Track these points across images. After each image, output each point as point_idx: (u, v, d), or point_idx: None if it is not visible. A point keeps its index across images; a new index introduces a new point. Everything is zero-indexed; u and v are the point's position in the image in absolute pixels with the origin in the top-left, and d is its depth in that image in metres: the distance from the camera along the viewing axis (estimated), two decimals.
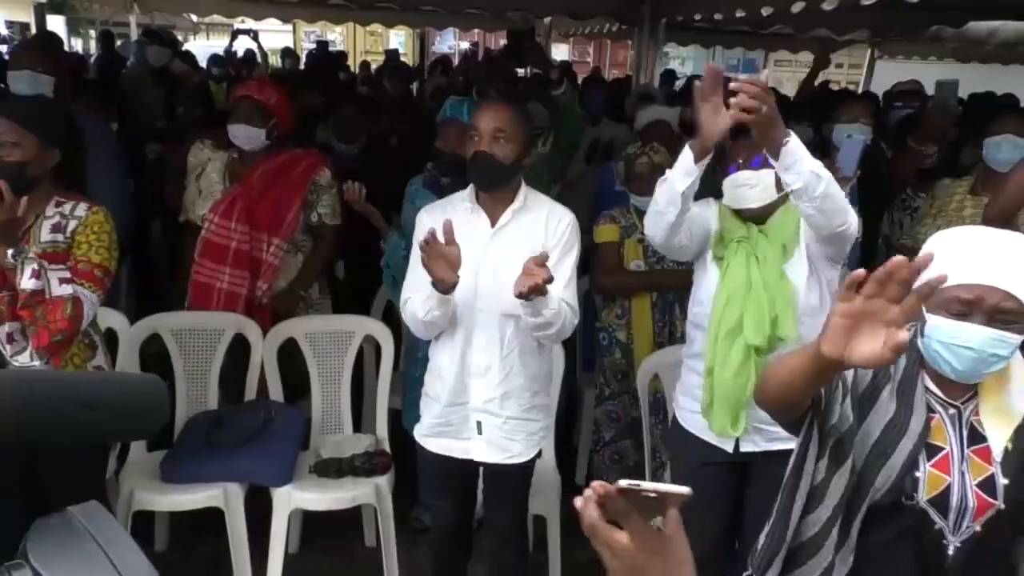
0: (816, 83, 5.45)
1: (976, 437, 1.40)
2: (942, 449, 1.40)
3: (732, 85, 1.63)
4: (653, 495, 0.78)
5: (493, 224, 2.11)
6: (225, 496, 2.47)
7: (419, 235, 2.14)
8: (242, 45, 7.35)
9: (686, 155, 1.90)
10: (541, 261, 1.85)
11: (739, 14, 4.77)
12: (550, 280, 1.86)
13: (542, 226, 2.12)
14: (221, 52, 7.28)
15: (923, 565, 1.41)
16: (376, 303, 3.42)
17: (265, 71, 6.80)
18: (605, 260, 3.00)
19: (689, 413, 2.23)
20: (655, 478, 2.77)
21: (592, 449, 3.23)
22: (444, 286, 1.93)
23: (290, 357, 2.79)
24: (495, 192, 2.11)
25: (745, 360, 2.05)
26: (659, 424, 2.82)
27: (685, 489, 0.79)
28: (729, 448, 2.14)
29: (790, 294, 2.06)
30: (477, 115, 2.09)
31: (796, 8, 4.07)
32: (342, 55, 9.79)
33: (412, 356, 2.87)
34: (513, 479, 2.25)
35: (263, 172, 2.79)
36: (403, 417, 2.85)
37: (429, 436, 2.23)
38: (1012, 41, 6.40)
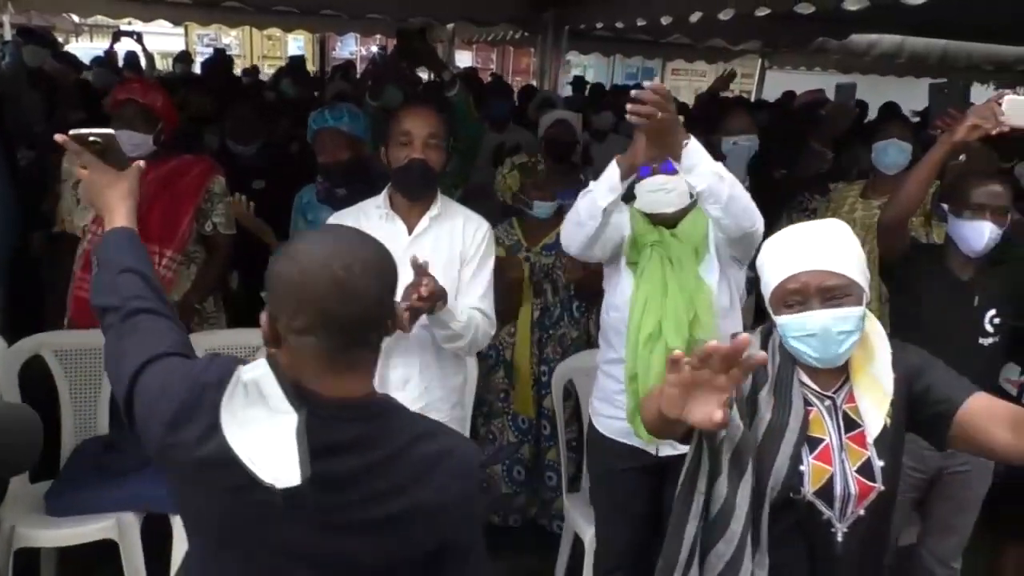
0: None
1: (850, 424, 1.45)
2: (822, 441, 1.45)
3: (633, 94, 1.63)
4: (98, 139, 1.41)
5: (410, 231, 2.05)
6: (119, 527, 2.30)
7: None
8: (126, 48, 6.98)
9: (612, 171, 1.91)
10: (422, 271, 1.80)
11: (640, 22, 4.85)
12: (436, 292, 1.81)
13: (459, 234, 2.08)
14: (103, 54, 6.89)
15: (814, 555, 1.45)
16: None
17: (151, 75, 6.48)
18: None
19: (607, 419, 2.23)
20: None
21: None
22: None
23: None
24: (421, 200, 2.05)
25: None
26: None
27: (109, 131, 1.43)
28: (653, 451, 2.15)
29: (707, 295, 2.08)
30: (408, 119, 2.00)
31: (694, 18, 4.16)
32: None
33: None
34: None
35: (152, 180, 2.61)
36: None
37: None
38: (889, 53, 6.79)
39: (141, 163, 1.47)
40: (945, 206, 2.28)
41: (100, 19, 10.51)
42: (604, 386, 2.25)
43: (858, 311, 1.39)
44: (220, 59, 7.69)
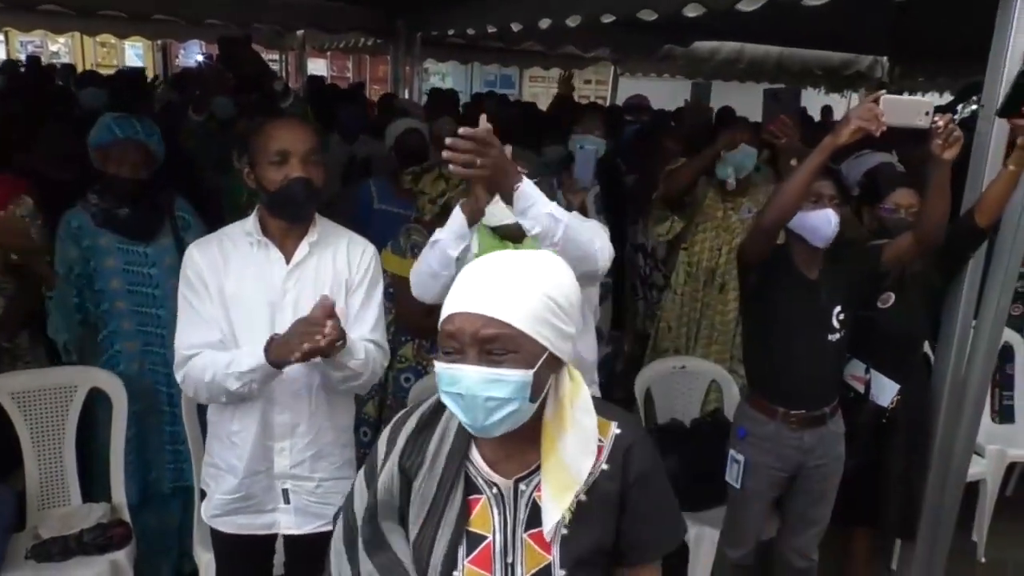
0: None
1: (536, 518, 1.13)
2: (484, 539, 1.14)
3: (448, 142, 1.53)
4: None
5: (288, 260, 1.83)
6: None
7: (191, 274, 1.80)
8: None
9: (458, 219, 1.83)
10: (328, 311, 1.61)
11: (491, 29, 4.82)
12: (339, 337, 1.62)
13: (343, 259, 1.87)
14: None
15: None
16: None
17: None
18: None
19: None
20: None
21: None
22: (284, 361, 1.67)
23: None
24: (301, 223, 1.84)
25: None
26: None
27: None
28: None
29: None
30: (282, 136, 1.76)
31: (543, 24, 4.16)
32: (67, 67, 8.76)
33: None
34: (323, 551, 1.99)
35: None
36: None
37: (222, 515, 1.90)
38: (730, 59, 7.12)
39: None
40: None
41: None
42: None
43: (517, 375, 1.04)
44: (33, 67, 6.98)
